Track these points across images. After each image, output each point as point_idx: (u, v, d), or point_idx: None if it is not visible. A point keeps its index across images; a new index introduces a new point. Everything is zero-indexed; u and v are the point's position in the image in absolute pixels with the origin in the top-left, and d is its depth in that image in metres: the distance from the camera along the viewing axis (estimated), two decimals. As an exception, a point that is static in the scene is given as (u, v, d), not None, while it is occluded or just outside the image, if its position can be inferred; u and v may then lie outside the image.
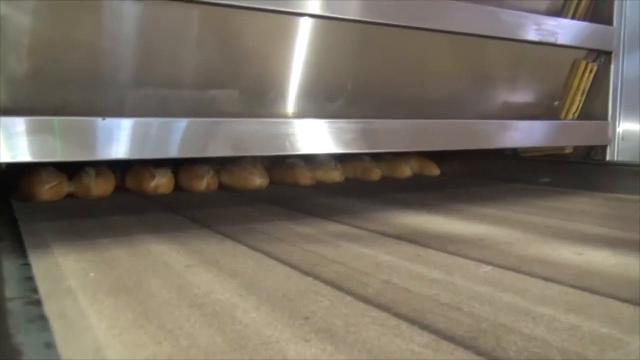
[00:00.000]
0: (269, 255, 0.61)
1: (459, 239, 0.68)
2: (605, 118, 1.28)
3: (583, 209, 0.95)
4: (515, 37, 1.14)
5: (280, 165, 1.33)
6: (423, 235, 0.71)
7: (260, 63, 0.92)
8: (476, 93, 1.21)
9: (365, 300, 0.46)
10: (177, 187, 1.16)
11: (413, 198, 1.08)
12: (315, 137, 0.90)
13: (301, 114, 0.95)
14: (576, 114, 1.30)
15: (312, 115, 0.95)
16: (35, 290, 0.48)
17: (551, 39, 1.19)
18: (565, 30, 1.21)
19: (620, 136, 1.28)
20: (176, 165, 1.23)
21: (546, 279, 0.50)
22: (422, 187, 1.29)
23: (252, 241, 0.69)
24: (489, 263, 0.56)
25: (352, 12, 0.92)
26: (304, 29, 0.92)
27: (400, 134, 1.00)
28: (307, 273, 0.54)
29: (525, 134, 1.18)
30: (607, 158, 1.28)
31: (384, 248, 0.64)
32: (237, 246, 0.66)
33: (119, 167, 1.21)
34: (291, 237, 0.71)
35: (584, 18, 1.27)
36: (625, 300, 0.44)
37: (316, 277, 0.52)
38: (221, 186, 1.22)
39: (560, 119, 1.30)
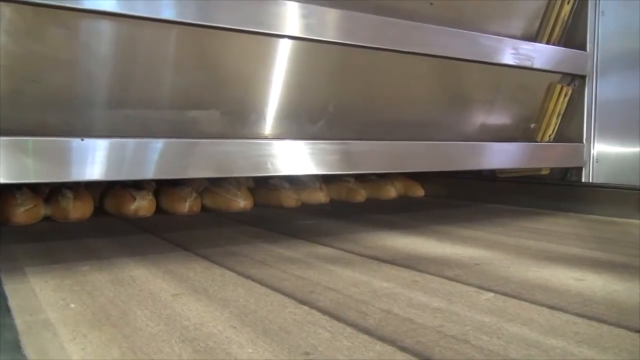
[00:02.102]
0: (259, 282, 0.58)
1: (455, 264, 0.67)
2: (580, 140, 1.30)
3: (564, 230, 0.96)
4: (493, 61, 1.15)
5: (264, 187, 1.30)
6: (417, 259, 0.70)
7: (241, 84, 0.90)
8: (455, 115, 1.22)
9: (367, 331, 0.44)
10: (159, 209, 1.12)
11: (400, 220, 1.07)
12: (296, 158, 0.88)
13: (282, 136, 0.94)
14: (552, 136, 1.31)
15: (293, 136, 0.94)
16: (11, 325, 0.44)
17: (527, 63, 1.21)
18: (541, 54, 1.23)
19: (595, 158, 1.30)
20: (157, 188, 1.19)
21: (551, 307, 0.49)
22: (407, 208, 1.28)
23: (240, 267, 0.66)
24: (489, 289, 0.54)
25: (332, 34, 0.92)
26: (285, 51, 0.91)
27: (380, 155, 0.99)
28: (302, 302, 0.51)
29: (502, 156, 1.19)
30: (583, 179, 1.30)
31: (379, 274, 0.62)
32: (225, 272, 0.63)
33: (98, 189, 1.17)
34: (281, 262, 0.68)
35: (558, 43, 1.29)
36: (636, 331, 0.43)
37: (312, 306, 0.50)
38: (204, 208, 1.18)
39: (536, 141, 1.31)
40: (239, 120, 0.91)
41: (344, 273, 0.63)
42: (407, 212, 1.21)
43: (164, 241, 0.84)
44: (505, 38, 1.17)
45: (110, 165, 0.68)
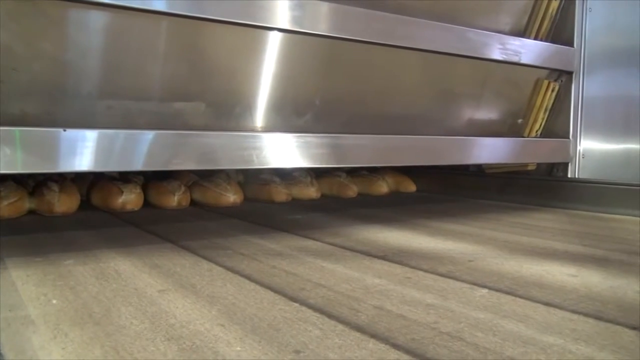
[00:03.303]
0: (249, 278, 0.57)
1: (448, 260, 0.66)
2: (566, 136, 1.30)
3: (552, 226, 0.96)
4: (481, 56, 1.15)
5: (255, 181, 1.28)
6: (409, 255, 0.69)
7: (228, 77, 0.89)
8: (442, 110, 1.21)
9: (359, 329, 0.43)
10: (146, 203, 1.10)
11: (389, 214, 1.07)
12: (283, 151, 0.87)
13: (269, 129, 0.93)
14: (539, 132, 1.31)
15: (280, 129, 0.92)
16: (-11, 321, 0.43)
17: (515, 58, 1.21)
18: (528, 50, 1.23)
19: (581, 154, 1.30)
20: (145, 182, 1.17)
21: (546, 303, 0.48)
22: (397, 203, 1.27)
23: (229, 262, 0.64)
24: (483, 286, 0.54)
25: (321, 27, 0.91)
26: (272, 44, 0.89)
27: (369, 149, 0.98)
28: (292, 298, 0.50)
29: (490, 151, 1.19)
30: (569, 175, 1.30)
31: (371, 270, 0.61)
32: (213, 267, 0.62)
33: (84, 182, 1.14)
34: (270, 257, 0.67)
35: (546, 39, 1.29)
36: (633, 328, 0.42)
37: (303, 303, 0.49)
38: (193, 203, 1.16)
39: (523, 137, 1.31)
40: (224, 112, 0.90)
41: (335, 269, 0.61)
42: (396, 206, 1.20)
43: (151, 235, 0.82)
44: (493, 33, 1.17)
45: (98, 156, 0.67)
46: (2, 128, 0.58)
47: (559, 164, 1.32)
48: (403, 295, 0.51)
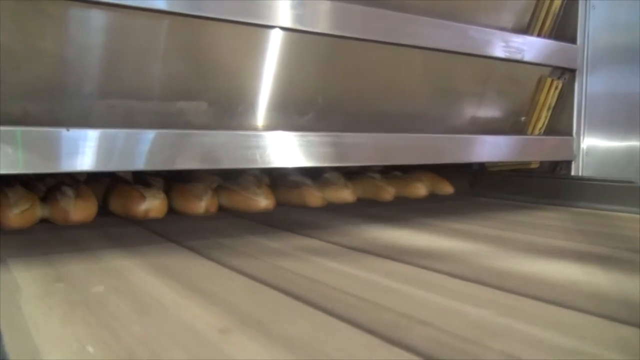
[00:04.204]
0: (325, 311, 0.45)
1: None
2: (570, 134, 1.30)
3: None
4: (483, 54, 1.15)
5: (283, 184, 1.17)
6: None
7: (229, 75, 0.89)
8: (445, 108, 1.21)
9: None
10: (169, 209, 0.98)
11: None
12: (285, 150, 0.87)
13: (270, 127, 0.93)
14: (542, 130, 1.31)
15: (281, 128, 0.93)
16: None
17: (518, 56, 1.21)
18: (531, 47, 1.23)
19: (585, 152, 1.30)
20: (166, 185, 1.07)
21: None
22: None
23: (295, 289, 0.52)
24: (508, 290, 0.54)
25: (322, 26, 0.91)
26: (274, 42, 0.89)
27: (369, 147, 0.99)
28: (393, 343, 0.39)
29: (493, 149, 1.19)
30: (572, 173, 1.30)
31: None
32: (278, 296, 0.50)
33: (101, 187, 1.04)
34: (333, 277, 0.59)
35: (549, 36, 1.29)
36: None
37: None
38: (220, 208, 1.05)
39: (526, 135, 1.31)
40: (226, 111, 0.90)
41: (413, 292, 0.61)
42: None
43: (187, 251, 0.70)
44: (496, 30, 1.17)
45: (100, 155, 0.67)
46: (3, 128, 0.58)
47: (562, 162, 1.32)
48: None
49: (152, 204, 0.93)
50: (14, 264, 0.61)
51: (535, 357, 0.36)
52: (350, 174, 1.28)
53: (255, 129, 0.92)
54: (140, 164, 0.72)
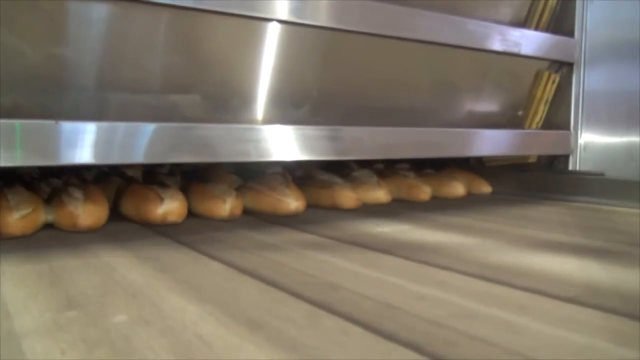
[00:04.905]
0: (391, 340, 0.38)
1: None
2: (567, 128, 1.30)
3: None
4: (480, 47, 1.15)
5: (311, 183, 1.08)
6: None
7: (227, 69, 0.89)
8: (443, 102, 1.21)
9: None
10: (188, 212, 0.88)
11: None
12: (283, 143, 0.87)
13: (268, 121, 0.93)
14: (539, 124, 1.31)
15: (279, 122, 0.92)
16: None
17: (515, 50, 1.21)
18: (528, 41, 1.23)
19: (582, 146, 1.30)
20: (182, 185, 0.99)
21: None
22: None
23: (351, 308, 0.45)
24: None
25: (320, 18, 0.91)
26: (272, 35, 0.89)
27: (366, 141, 0.98)
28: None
29: (492, 143, 1.19)
30: (570, 167, 1.30)
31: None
32: (346, 326, 0.41)
33: (111, 188, 0.95)
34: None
35: (546, 30, 1.29)
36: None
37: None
38: (244, 211, 0.94)
39: (524, 129, 1.31)
40: (223, 105, 0.90)
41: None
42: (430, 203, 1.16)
43: (216, 263, 0.61)
44: (494, 24, 1.16)
45: (99, 149, 0.67)
46: (2, 121, 0.58)
47: (559, 156, 1.32)
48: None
49: (170, 207, 0.83)
50: (10, 281, 0.52)
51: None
52: (380, 172, 1.20)
53: (253, 122, 0.92)
54: (138, 157, 0.72)
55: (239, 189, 0.99)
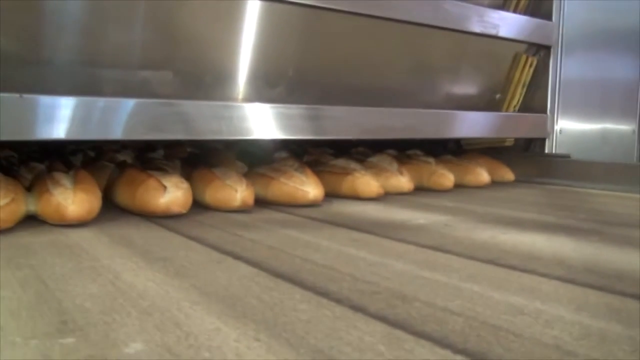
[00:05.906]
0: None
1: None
2: (544, 111, 1.32)
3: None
4: (459, 28, 1.15)
5: (326, 169, 1.00)
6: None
7: (201, 45, 0.88)
8: (420, 83, 1.22)
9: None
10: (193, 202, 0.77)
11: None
12: (264, 121, 0.87)
13: (243, 100, 0.92)
14: (517, 107, 1.33)
15: (258, 100, 0.92)
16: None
17: (493, 32, 1.21)
18: (506, 23, 1.23)
19: (559, 130, 1.32)
20: (183, 170, 0.92)
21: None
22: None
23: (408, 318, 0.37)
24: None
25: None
26: (250, 12, 0.88)
27: (344, 121, 0.98)
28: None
29: (470, 125, 1.20)
30: (546, 151, 1.32)
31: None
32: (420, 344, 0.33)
33: (103, 174, 0.85)
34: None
35: (524, 13, 1.30)
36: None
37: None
38: (256, 201, 0.83)
39: (501, 112, 1.33)
40: (200, 82, 0.89)
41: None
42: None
43: (241, 264, 0.50)
44: (472, 5, 1.17)
45: (76, 124, 0.65)
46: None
47: (536, 139, 1.34)
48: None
49: (174, 196, 0.73)
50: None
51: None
52: (397, 158, 1.11)
53: (230, 100, 0.91)
54: (117, 133, 0.70)
55: (247, 176, 0.89)
